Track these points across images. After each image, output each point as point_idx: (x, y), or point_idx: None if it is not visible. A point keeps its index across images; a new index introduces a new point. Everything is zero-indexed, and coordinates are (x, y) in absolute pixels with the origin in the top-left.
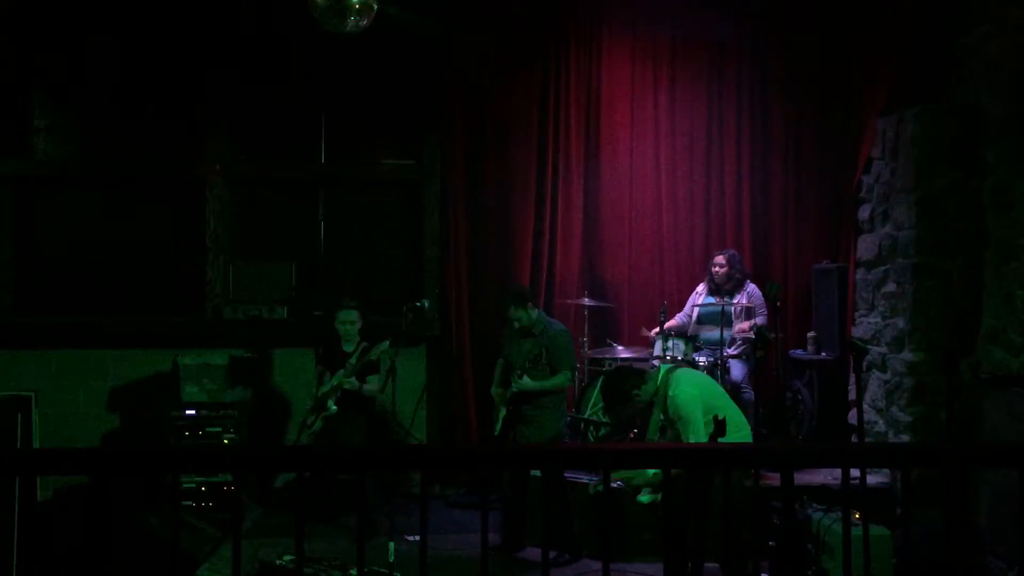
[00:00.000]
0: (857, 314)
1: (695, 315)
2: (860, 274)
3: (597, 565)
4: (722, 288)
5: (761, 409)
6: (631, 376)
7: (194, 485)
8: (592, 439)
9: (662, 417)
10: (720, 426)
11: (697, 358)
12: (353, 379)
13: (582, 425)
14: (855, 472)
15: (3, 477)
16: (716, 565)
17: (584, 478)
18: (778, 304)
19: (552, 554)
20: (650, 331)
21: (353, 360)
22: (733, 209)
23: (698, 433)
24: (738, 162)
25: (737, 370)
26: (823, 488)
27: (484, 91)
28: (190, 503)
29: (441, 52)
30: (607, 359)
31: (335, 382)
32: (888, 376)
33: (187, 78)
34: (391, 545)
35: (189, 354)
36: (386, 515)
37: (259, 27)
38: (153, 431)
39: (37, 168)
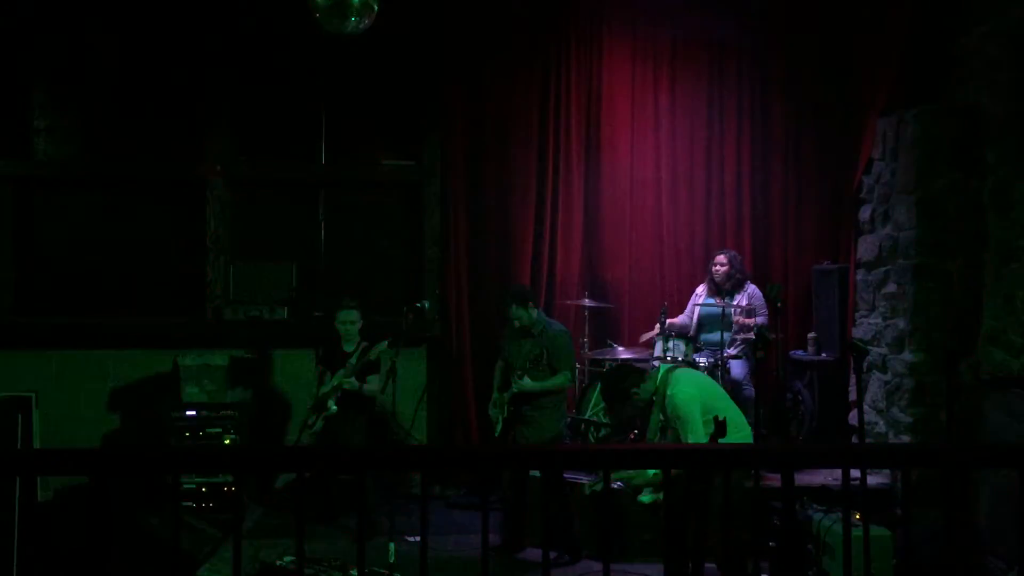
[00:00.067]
0: (857, 315)
1: (696, 317)
2: (860, 275)
3: (597, 566)
4: (722, 288)
5: (761, 409)
6: (631, 375)
7: (194, 486)
8: (592, 440)
9: (662, 417)
10: (720, 427)
11: (697, 359)
12: (353, 379)
13: (582, 426)
14: (855, 473)
15: (4, 477)
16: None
17: (584, 479)
18: (779, 304)
19: (552, 555)
20: (650, 332)
21: (353, 360)
22: (733, 209)
23: (697, 433)
24: (738, 162)
25: (737, 368)
26: (823, 489)
27: (484, 91)
28: (190, 504)
29: (441, 52)
30: (607, 360)
31: (335, 382)
32: (888, 377)
33: (187, 78)
34: (391, 546)
35: (189, 355)
36: (386, 516)
37: (259, 27)
38: (153, 432)
39: (37, 168)
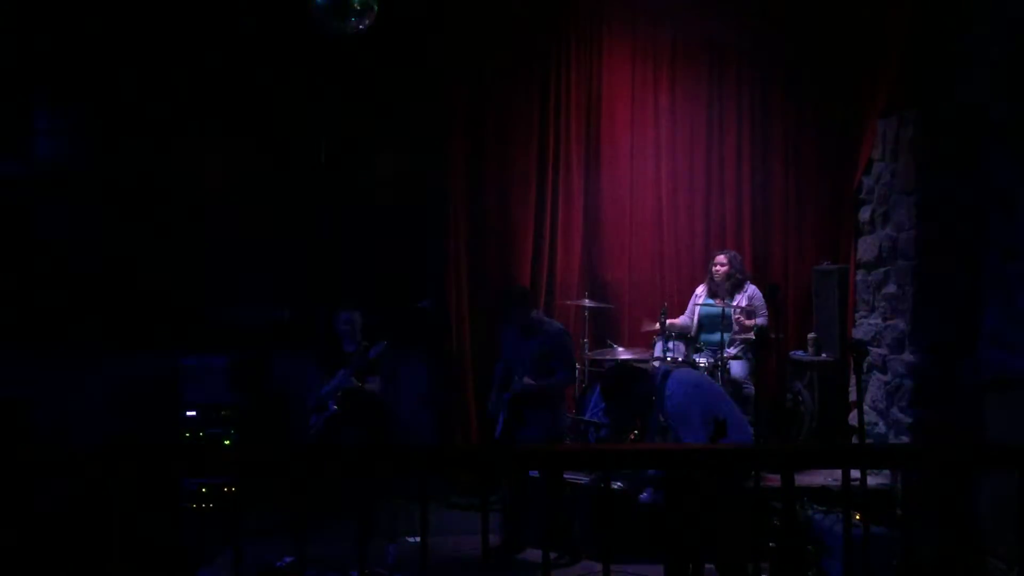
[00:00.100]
0: (857, 315)
1: (696, 317)
2: (860, 275)
3: (597, 567)
4: (722, 289)
5: (761, 410)
6: (631, 374)
7: (194, 486)
8: (593, 440)
9: (662, 418)
10: (720, 427)
11: (697, 359)
12: (353, 380)
13: (582, 426)
14: (855, 473)
15: (2, 478)
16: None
17: (584, 479)
18: (778, 295)
19: (552, 555)
20: (652, 324)
21: (353, 361)
22: (733, 210)
23: (695, 434)
24: (738, 163)
25: (738, 368)
26: (824, 489)
27: (484, 91)
28: (190, 504)
29: (441, 52)
30: (607, 360)
31: (335, 383)
32: (888, 377)
33: (187, 79)
34: (391, 547)
35: (190, 356)
36: (386, 516)
37: (259, 27)
38: (154, 433)
39: (37, 170)
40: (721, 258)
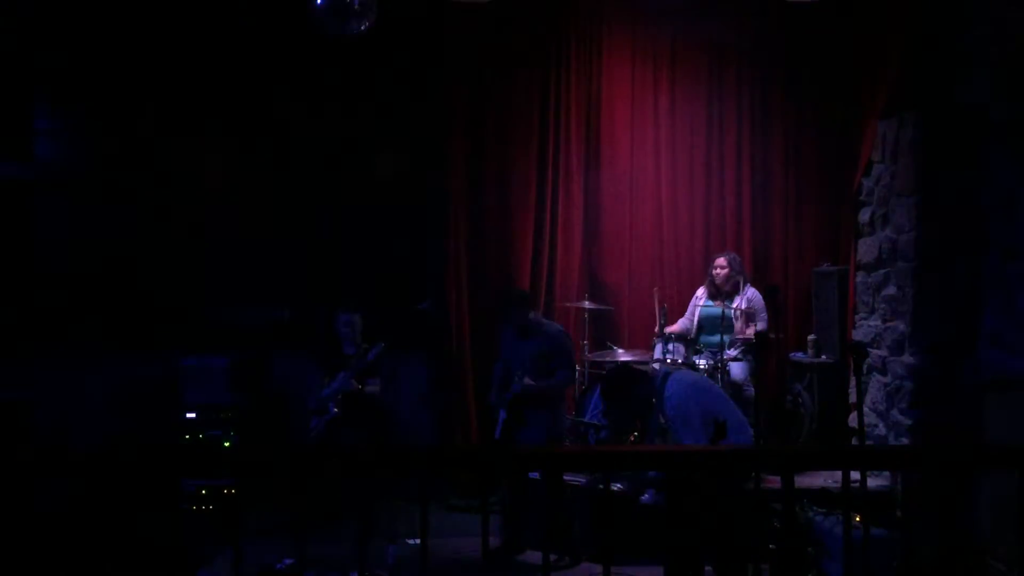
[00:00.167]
0: (857, 317)
1: (696, 319)
2: (860, 277)
3: (597, 568)
4: (721, 291)
5: (762, 411)
6: (631, 375)
7: (194, 488)
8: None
9: (662, 419)
10: (720, 429)
11: (697, 361)
12: (353, 382)
13: (582, 428)
14: (855, 475)
15: (2, 480)
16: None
17: (584, 481)
18: (778, 297)
19: (552, 557)
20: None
21: (353, 363)
22: (733, 211)
23: (695, 435)
24: (738, 164)
25: (738, 370)
26: (824, 491)
27: (484, 92)
28: (190, 506)
29: (441, 52)
30: (607, 362)
31: (336, 385)
32: (888, 379)
33: (186, 81)
34: (391, 548)
35: (189, 357)
36: (386, 518)
37: (259, 28)
38: (153, 434)
39: (37, 171)
40: (721, 261)
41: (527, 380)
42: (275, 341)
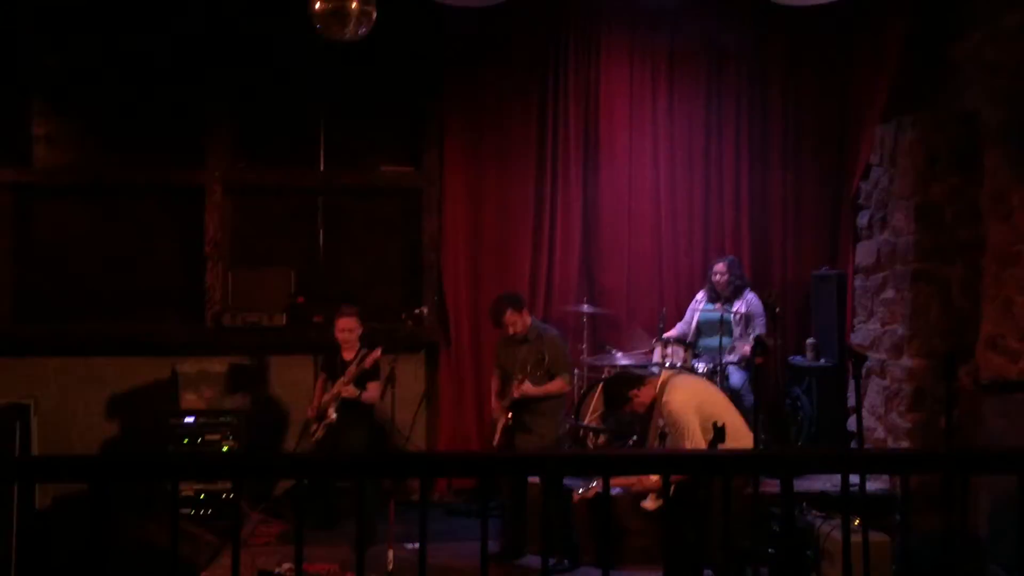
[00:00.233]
0: (856, 320)
1: (695, 322)
2: (859, 280)
3: (596, 572)
4: (722, 295)
5: (761, 415)
6: (630, 380)
7: (193, 493)
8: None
9: (662, 423)
10: (719, 432)
11: (696, 364)
12: (352, 387)
13: (580, 432)
14: (854, 478)
15: (2, 484)
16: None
17: (582, 485)
18: (777, 311)
19: (551, 561)
20: (649, 337)
21: (352, 368)
22: (732, 215)
23: (695, 439)
24: (736, 166)
25: (736, 377)
26: (823, 495)
27: (483, 96)
28: (189, 511)
29: (440, 57)
30: (606, 365)
31: (335, 390)
32: (887, 382)
33: (187, 86)
34: (390, 553)
35: (188, 361)
36: (385, 522)
37: (258, 35)
38: (152, 438)
39: (36, 176)
40: (720, 266)
41: (525, 385)
42: (274, 346)
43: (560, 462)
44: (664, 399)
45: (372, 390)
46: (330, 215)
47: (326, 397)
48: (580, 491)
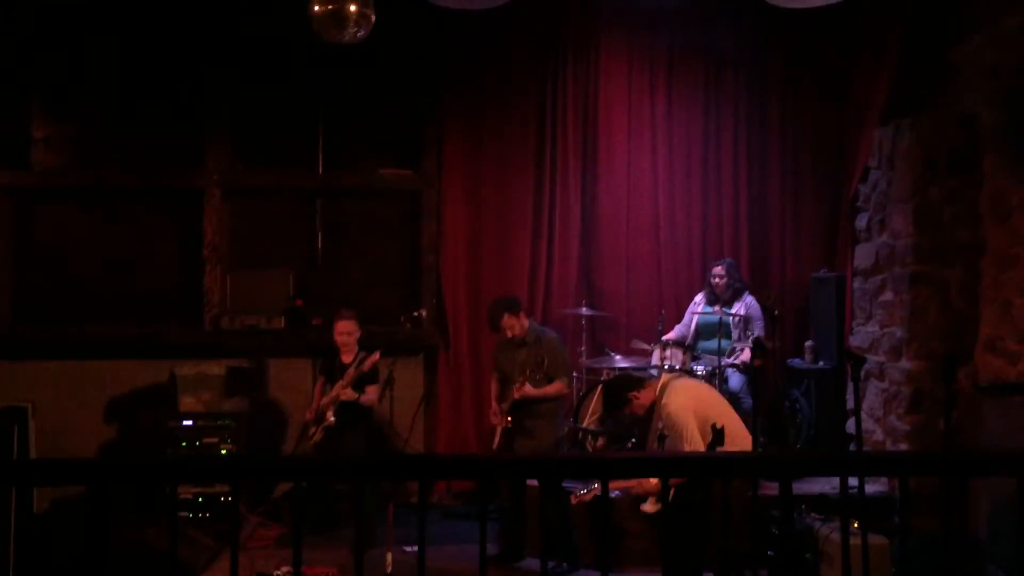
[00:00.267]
0: (855, 323)
1: (694, 325)
2: (857, 283)
3: (596, 575)
4: (721, 298)
5: (759, 418)
6: (629, 383)
7: (191, 496)
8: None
9: (661, 426)
10: (718, 435)
11: (695, 367)
12: (350, 390)
13: (579, 435)
14: (853, 481)
15: (0, 487)
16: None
17: (581, 488)
18: (776, 313)
19: (551, 564)
20: (645, 343)
21: (351, 371)
22: (731, 218)
23: (693, 442)
24: (735, 171)
25: (735, 380)
26: (822, 497)
27: (482, 99)
28: (187, 514)
29: (439, 61)
30: (605, 368)
31: (333, 393)
32: (886, 385)
33: (185, 89)
34: (389, 556)
35: (186, 364)
36: (384, 525)
37: (258, 38)
38: (150, 441)
39: (35, 179)
40: (719, 270)
41: (524, 388)
42: (272, 349)
43: (559, 464)
44: (663, 401)
45: (371, 393)
46: (329, 218)
47: (325, 400)
48: (580, 492)
